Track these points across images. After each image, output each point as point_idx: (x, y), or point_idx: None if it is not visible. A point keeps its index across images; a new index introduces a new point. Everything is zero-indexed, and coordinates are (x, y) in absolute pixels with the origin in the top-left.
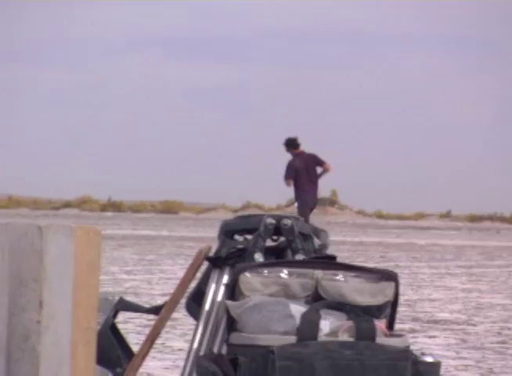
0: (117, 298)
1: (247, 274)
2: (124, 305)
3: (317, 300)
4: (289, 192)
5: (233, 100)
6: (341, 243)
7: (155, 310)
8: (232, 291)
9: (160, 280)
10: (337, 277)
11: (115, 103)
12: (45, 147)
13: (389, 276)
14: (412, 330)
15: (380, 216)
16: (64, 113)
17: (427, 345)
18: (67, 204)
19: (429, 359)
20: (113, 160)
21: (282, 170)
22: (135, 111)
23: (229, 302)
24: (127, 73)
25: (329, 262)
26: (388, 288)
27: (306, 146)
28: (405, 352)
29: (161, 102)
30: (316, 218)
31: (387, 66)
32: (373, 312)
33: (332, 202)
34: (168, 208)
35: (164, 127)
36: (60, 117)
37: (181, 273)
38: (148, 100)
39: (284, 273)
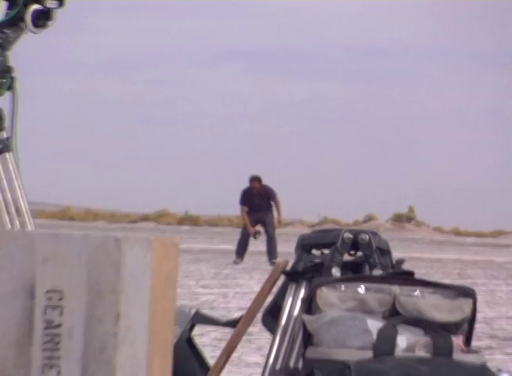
0: (193, 311)
1: (324, 289)
2: (200, 319)
3: (394, 316)
4: (364, 208)
5: (311, 115)
6: (418, 259)
7: (231, 324)
8: (309, 306)
9: (237, 295)
10: (415, 293)
11: (193, 116)
12: (123, 160)
13: (466, 293)
14: (490, 347)
15: (457, 233)
16: (141, 126)
17: (504, 362)
18: (145, 218)
19: (506, 375)
20: (191, 175)
21: (363, 186)
22: (213, 125)
23: (306, 316)
24: (207, 86)
25: (407, 278)
26: (466, 305)
27: (389, 162)
28: (482, 369)
29: (239, 116)
30: (393, 235)
31: (463, 82)
32: (450, 328)
33: (409, 218)
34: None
35: (242, 141)
36: (137, 129)
37: (257, 288)
38: (227, 114)
39: (361, 289)
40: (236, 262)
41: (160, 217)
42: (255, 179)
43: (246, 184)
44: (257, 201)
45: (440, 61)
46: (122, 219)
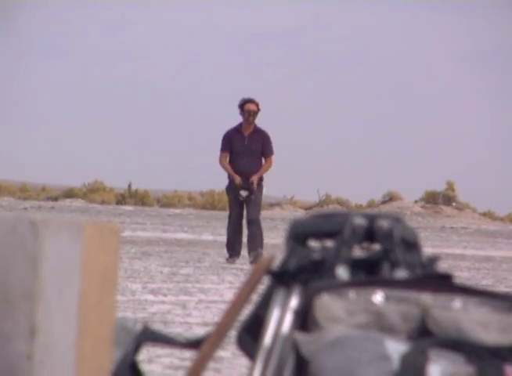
0: (139, 326)
1: (326, 297)
2: (149, 337)
3: (424, 336)
4: (384, 184)
5: (305, 51)
6: (460, 257)
7: (193, 345)
8: (304, 320)
9: (200, 304)
10: (454, 305)
11: (138, 54)
12: (36, 117)
13: None
14: None
15: None
16: (61, 66)
17: None
18: (69, 193)
19: None
20: (136, 136)
21: (381, 153)
22: (166, 68)
23: (300, 336)
24: (157, 13)
25: (443, 283)
26: None
27: (419, 120)
28: None
29: (203, 54)
30: (425, 222)
31: None
32: (503, 354)
33: (447, 199)
34: (213, 203)
35: (208, 90)
36: (57, 72)
37: (230, 294)
38: (185, 52)
39: (378, 297)
40: (230, 260)
41: (91, 192)
42: (250, 104)
43: (213, 152)
44: (246, 150)
45: None
46: (37, 195)
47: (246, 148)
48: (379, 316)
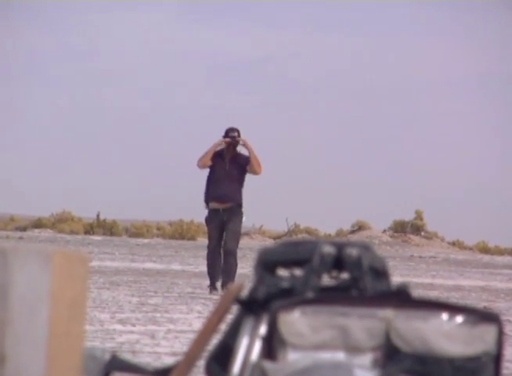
0: (108, 355)
1: (290, 313)
2: (118, 366)
3: (390, 353)
4: (353, 213)
5: (275, 80)
6: (429, 286)
7: (161, 374)
8: (270, 340)
9: (169, 334)
10: (416, 317)
11: (105, 79)
12: (6, 146)
13: (488, 318)
14: None
15: (484, 250)
16: (27, 92)
17: None
18: (38, 224)
19: None
20: (104, 165)
21: (350, 182)
22: (136, 94)
23: (268, 364)
24: (124, 37)
25: (405, 299)
26: (488, 334)
27: (387, 148)
28: None
29: (174, 81)
30: (393, 251)
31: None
32: (467, 369)
33: (416, 228)
34: (182, 232)
35: (179, 117)
36: (22, 99)
37: (199, 324)
38: (157, 78)
39: (342, 312)
40: (212, 288)
41: (59, 222)
42: (234, 132)
43: (180, 179)
44: (227, 175)
45: None
46: (5, 225)
47: (226, 173)
48: (344, 331)
